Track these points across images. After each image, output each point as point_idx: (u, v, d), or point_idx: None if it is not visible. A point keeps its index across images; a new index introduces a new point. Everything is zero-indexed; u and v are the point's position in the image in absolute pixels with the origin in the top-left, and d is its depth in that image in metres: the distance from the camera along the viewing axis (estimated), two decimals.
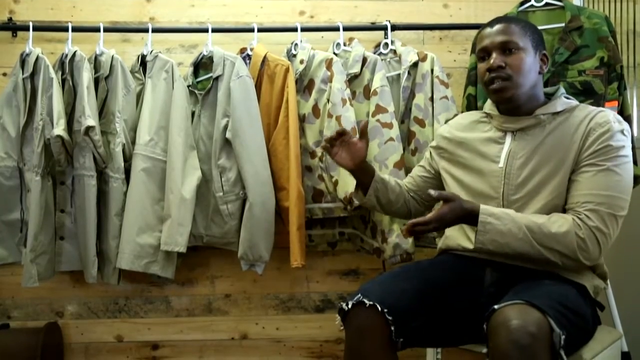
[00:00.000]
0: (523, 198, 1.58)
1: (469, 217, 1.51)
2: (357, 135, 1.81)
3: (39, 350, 2.30)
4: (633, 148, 2.08)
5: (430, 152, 1.86)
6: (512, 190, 1.60)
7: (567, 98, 1.64)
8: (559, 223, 1.49)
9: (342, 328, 1.53)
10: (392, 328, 1.46)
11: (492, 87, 1.60)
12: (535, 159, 1.58)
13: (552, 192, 1.55)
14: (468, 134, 1.73)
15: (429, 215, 1.48)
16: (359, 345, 1.47)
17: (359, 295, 1.50)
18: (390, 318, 1.46)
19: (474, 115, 1.78)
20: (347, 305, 1.50)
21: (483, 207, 1.51)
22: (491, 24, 1.64)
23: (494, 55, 1.59)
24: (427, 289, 1.57)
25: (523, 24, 1.62)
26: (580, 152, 1.54)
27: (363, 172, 1.78)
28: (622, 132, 1.54)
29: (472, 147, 1.70)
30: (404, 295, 1.52)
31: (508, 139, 1.64)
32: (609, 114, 1.56)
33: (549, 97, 1.66)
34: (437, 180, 1.85)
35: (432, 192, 1.49)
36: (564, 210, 1.55)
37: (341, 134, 1.72)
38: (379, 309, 1.46)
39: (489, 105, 1.72)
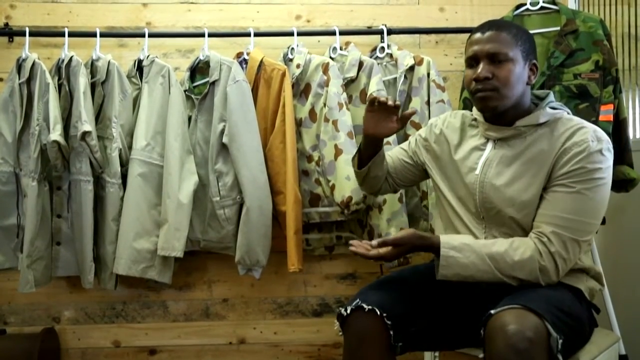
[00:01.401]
0: (495, 208, 1.56)
1: (430, 249, 1.51)
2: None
3: (36, 356, 2.30)
4: (628, 152, 2.09)
5: (416, 140, 1.82)
6: (486, 198, 1.57)
7: (554, 108, 1.58)
8: (521, 250, 1.47)
9: (340, 333, 1.53)
10: (391, 332, 1.46)
11: (477, 95, 1.55)
12: (511, 170, 1.55)
13: (525, 205, 1.52)
14: (457, 137, 1.70)
15: (382, 253, 1.48)
16: (358, 351, 1.47)
17: (358, 300, 1.49)
18: (389, 323, 1.46)
19: (465, 116, 1.74)
20: (345, 310, 1.50)
21: (443, 241, 1.49)
22: (482, 29, 1.59)
23: (481, 65, 1.54)
24: (425, 293, 1.57)
25: (515, 32, 1.56)
26: (553, 169, 1.50)
27: (374, 144, 1.74)
28: (600, 152, 1.47)
29: (458, 150, 1.68)
30: (402, 300, 1.52)
31: (489, 146, 1.61)
32: (588, 132, 1.50)
33: (540, 100, 1.62)
34: (416, 169, 1.82)
35: (374, 242, 1.49)
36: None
37: (395, 107, 1.66)
38: (378, 313, 1.46)
39: (476, 110, 1.68)
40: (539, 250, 1.46)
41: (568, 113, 1.60)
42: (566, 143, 1.50)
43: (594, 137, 1.49)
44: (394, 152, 1.88)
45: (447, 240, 1.50)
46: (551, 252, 1.46)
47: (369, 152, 1.77)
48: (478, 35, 1.58)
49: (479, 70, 1.54)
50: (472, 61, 1.58)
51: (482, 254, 1.47)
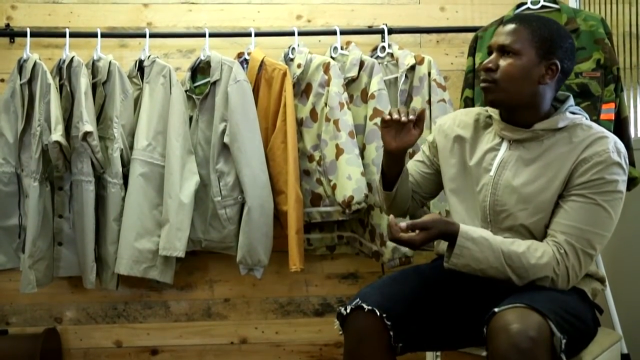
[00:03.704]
0: (507, 210, 1.54)
1: (448, 236, 1.48)
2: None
3: (38, 356, 2.30)
4: (630, 151, 2.09)
5: (429, 147, 1.77)
6: (497, 200, 1.55)
7: (573, 113, 1.55)
8: (538, 254, 1.45)
9: (341, 333, 1.53)
10: (391, 333, 1.46)
11: (481, 85, 1.55)
12: (526, 173, 1.53)
13: (539, 210, 1.51)
14: (471, 135, 1.66)
15: (413, 237, 1.44)
16: (358, 350, 1.47)
17: (358, 299, 1.49)
18: (389, 323, 1.45)
19: (480, 113, 1.69)
20: (345, 309, 1.50)
21: (462, 230, 1.46)
22: (507, 21, 1.56)
23: (492, 55, 1.54)
24: (426, 293, 1.57)
25: (535, 27, 1.51)
26: (571, 176, 1.48)
27: (397, 160, 1.65)
28: (619, 164, 1.46)
29: (471, 148, 1.65)
30: (403, 300, 1.51)
31: (503, 147, 1.58)
32: (609, 142, 1.47)
33: (561, 103, 1.58)
34: (438, 177, 1.76)
35: (403, 225, 1.44)
36: (546, 230, 1.51)
37: (418, 118, 1.57)
38: (378, 313, 1.45)
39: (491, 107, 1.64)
40: (557, 259, 1.45)
41: (586, 118, 1.57)
42: (586, 151, 1.48)
43: (614, 148, 1.48)
44: (410, 167, 1.79)
45: (467, 230, 1.47)
46: (567, 266, 1.45)
47: (393, 170, 1.67)
48: (501, 27, 1.56)
49: (486, 60, 1.53)
50: (489, 52, 1.57)
51: (498, 251, 1.45)
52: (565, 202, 1.49)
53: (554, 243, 1.47)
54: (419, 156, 1.81)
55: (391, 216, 1.47)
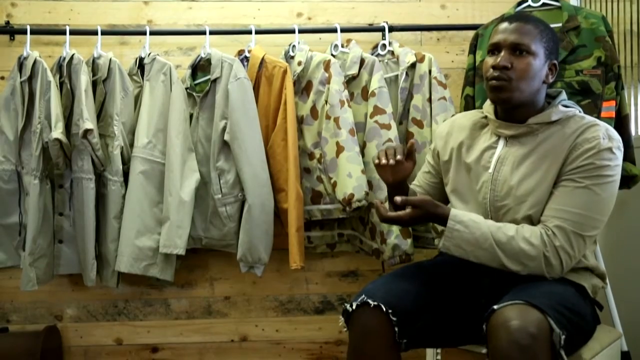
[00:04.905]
0: (507, 205, 1.56)
1: (439, 220, 1.51)
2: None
3: (38, 354, 2.30)
4: (630, 149, 2.09)
5: (432, 156, 1.82)
6: (497, 197, 1.57)
7: (566, 106, 1.59)
8: (527, 235, 1.47)
9: (345, 329, 1.53)
10: (396, 329, 1.47)
11: (492, 83, 1.55)
12: (523, 168, 1.55)
13: (537, 203, 1.53)
14: (467, 137, 1.69)
15: (400, 214, 1.49)
16: (363, 346, 1.47)
17: (363, 296, 1.50)
18: (394, 319, 1.46)
19: (475, 115, 1.74)
20: (351, 306, 1.50)
21: (452, 213, 1.50)
22: (510, 19, 1.58)
23: (502, 53, 1.54)
24: (429, 290, 1.57)
25: (542, 28, 1.56)
26: (563, 165, 1.51)
27: (399, 188, 1.70)
28: (610, 150, 1.49)
29: (469, 153, 1.67)
30: (407, 296, 1.52)
31: (500, 144, 1.61)
32: (600, 130, 1.51)
33: (552, 98, 1.62)
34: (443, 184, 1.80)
35: (398, 199, 1.49)
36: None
37: (409, 151, 1.63)
38: (384, 309, 1.46)
39: (487, 107, 1.68)
40: (544, 241, 1.47)
41: (580, 111, 1.60)
42: (577, 139, 1.51)
43: (605, 134, 1.50)
44: (419, 179, 1.86)
45: (457, 214, 1.51)
46: (555, 247, 1.47)
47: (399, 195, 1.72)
48: (505, 24, 1.57)
49: (499, 59, 1.53)
50: (493, 48, 1.57)
51: (487, 233, 1.48)
52: (556, 188, 1.52)
53: (543, 227, 1.49)
54: (425, 167, 1.85)
55: (376, 200, 1.50)
